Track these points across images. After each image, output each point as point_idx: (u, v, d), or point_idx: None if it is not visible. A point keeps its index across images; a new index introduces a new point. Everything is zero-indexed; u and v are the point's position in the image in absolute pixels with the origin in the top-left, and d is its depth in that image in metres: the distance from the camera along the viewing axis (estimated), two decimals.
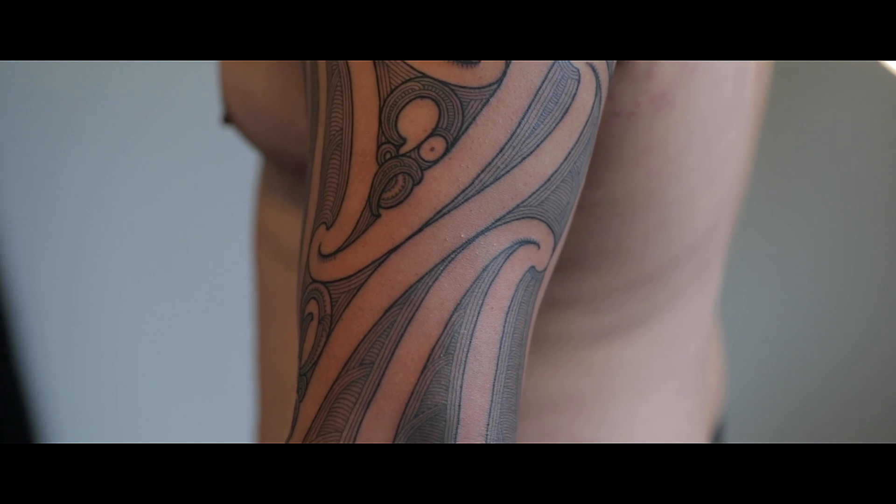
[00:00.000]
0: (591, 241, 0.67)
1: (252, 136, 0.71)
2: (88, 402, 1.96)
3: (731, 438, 0.94)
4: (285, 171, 0.74)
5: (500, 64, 0.52)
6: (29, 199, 1.80)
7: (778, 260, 1.57)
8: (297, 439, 0.55)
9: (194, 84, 1.62)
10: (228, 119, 0.75)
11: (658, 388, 0.74)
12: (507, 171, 0.53)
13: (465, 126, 0.52)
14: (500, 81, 0.52)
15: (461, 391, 0.53)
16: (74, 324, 1.89)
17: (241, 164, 1.40)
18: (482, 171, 0.53)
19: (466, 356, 0.53)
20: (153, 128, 1.70)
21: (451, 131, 0.52)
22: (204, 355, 1.87)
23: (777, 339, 1.61)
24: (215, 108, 1.46)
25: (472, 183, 0.53)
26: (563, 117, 0.54)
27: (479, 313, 0.53)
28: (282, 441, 0.78)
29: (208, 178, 1.72)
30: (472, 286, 0.53)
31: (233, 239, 1.58)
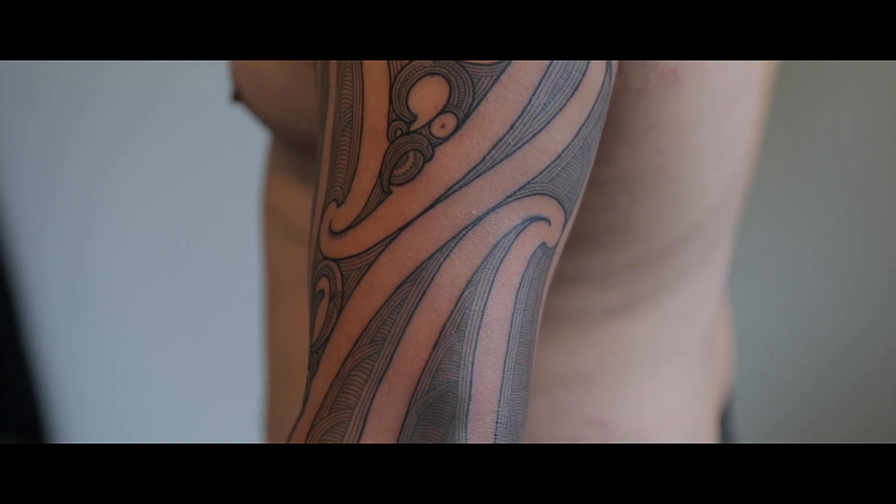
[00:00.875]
0: (601, 218, 0.68)
1: (261, 114, 0.71)
2: (96, 388, 1.97)
3: (738, 416, 0.94)
4: (294, 149, 0.74)
5: None
6: (37, 187, 1.81)
7: (785, 240, 1.57)
8: (308, 416, 0.55)
9: (201, 68, 1.62)
10: (238, 97, 0.75)
11: (667, 366, 0.74)
12: (518, 148, 0.53)
13: (475, 103, 0.52)
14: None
15: (473, 368, 0.53)
16: (82, 310, 1.90)
17: (248, 147, 1.40)
18: (493, 147, 0.53)
19: (478, 333, 0.53)
20: (159, 114, 1.70)
21: (461, 108, 0.52)
22: (212, 341, 1.87)
23: (784, 318, 1.61)
24: (223, 90, 1.46)
25: (483, 159, 0.53)
26: (573, 93, 0.54)
27: (490, 290, 0.54)
28: (289, 419, 0.78)
29: (215, 161, 1.72)
30: (483, 263, 0.53)
31: (241, 223, 1.59)
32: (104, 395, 1.97)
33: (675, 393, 0.75)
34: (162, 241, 1.82)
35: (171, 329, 1.88)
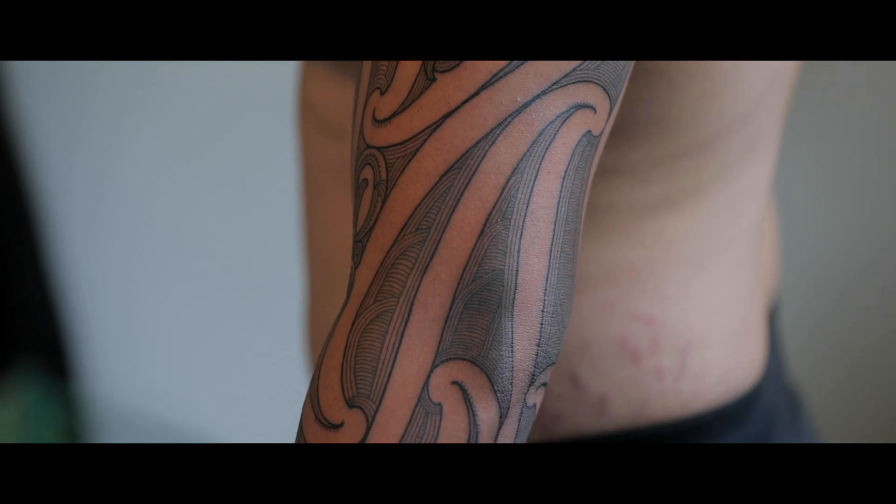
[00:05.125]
0: (642, 109, 0.69)
1: None
2: (117, 307, 2.00)
3: (784, 317, 0.96)
4: None
5: None
6: (61, 114, 1.83)
7: (831, 136, 1.57)
8: (353, 305, 0.57)
9: None
10: None
11: (713, 261, 0.76)
12: None
13: None
14: None
15: (518, 256, 0.56)
16: (104, 227, 1.92)
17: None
18: None
19: (524, 221, 0.56)
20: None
21: None
22: (238, 254, 1.89)
23: (829, 217, 1.62)
24: None
25: None
26: None
27: (535, 178, 0.56)
28: (328, 315, 0.81)
29: (246, 73, 1.73)
30: (528, 150, 0.56)
31: (271, 136, 1.59)
32: (125, 314, 2.01)
33: (724, 289, 0.77)
34: (187, 158, 1.84)
35: (193, 243, 1.91)
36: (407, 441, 0.56)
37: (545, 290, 0.56)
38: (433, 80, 0.56)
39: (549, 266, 0.56)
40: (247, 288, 1.90)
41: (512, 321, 0.56)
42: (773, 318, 0.88)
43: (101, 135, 1.86)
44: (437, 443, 0.56)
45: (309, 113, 0.82)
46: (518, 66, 0.55)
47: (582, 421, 0.75)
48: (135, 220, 1.91)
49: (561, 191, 0.56)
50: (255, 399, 1.87)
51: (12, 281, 1.96)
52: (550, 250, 0.56)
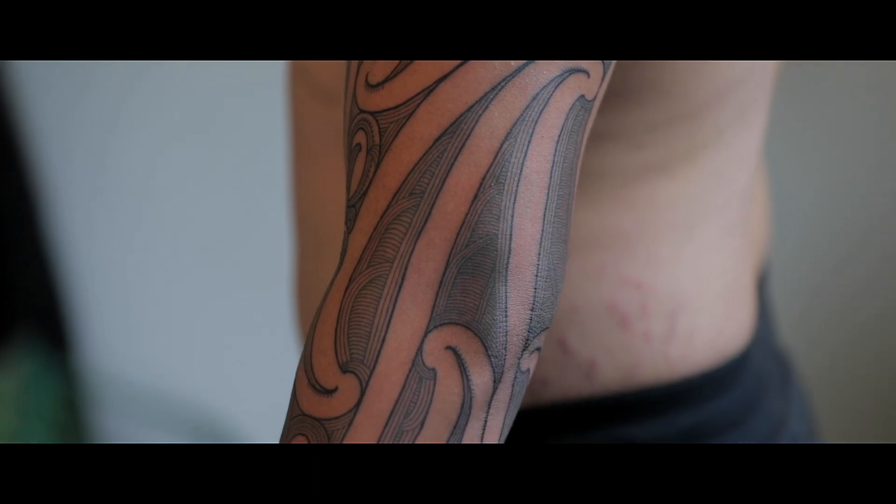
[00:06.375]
0: (636, 73, 0.69)
1: None
2: (115, 278, 1.99)
3: (779, 289, 0.96)
4: None
5: None
6: (61, 92, 1.83)
7: (824, 104, 1.57)
8: (346, 270, 0.57)
9: None
10: None
11: (704, 226, 0.75)
12: None
13: None
14: None
15: (512, 220, 0.55)
16: (103, 199, 1.92)
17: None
18: None
19: (517, 185, 0.55)
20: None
21: None
22: (235, 231, 1.89)
23: (824, 189, 1.61)
24: None
25: None
26: None
27: (529, 142, 0.55)
28: (318, 288, 0.80)
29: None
30: (522, 114, 0.55)
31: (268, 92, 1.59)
32: (124, 286, 2.00)
33: (715, 255, 0.76)
34: (182, 136, 1.83)
35: (189, 217, 1.90)
36: (401, 405, 0.56)
37: (539, 254, 0.56)
38: None
39: (542, 230, 0.56)
40: (242, 261, 1.90)
41: (506, 286, 0.55)
42: (762, 285, 0.88)
43: (100, 113, 1.85)
44: (431, 409, 0.56)
45: (301, 78, 0.81)
46: None
47: (570, 385, 0.75)
48: (133, 193, 1.91)
49: (555, 155, 0.56)
50: (252, 369, 1.87)
51: (12, 252, 1.95)
52: (544, 215, 0.56)
